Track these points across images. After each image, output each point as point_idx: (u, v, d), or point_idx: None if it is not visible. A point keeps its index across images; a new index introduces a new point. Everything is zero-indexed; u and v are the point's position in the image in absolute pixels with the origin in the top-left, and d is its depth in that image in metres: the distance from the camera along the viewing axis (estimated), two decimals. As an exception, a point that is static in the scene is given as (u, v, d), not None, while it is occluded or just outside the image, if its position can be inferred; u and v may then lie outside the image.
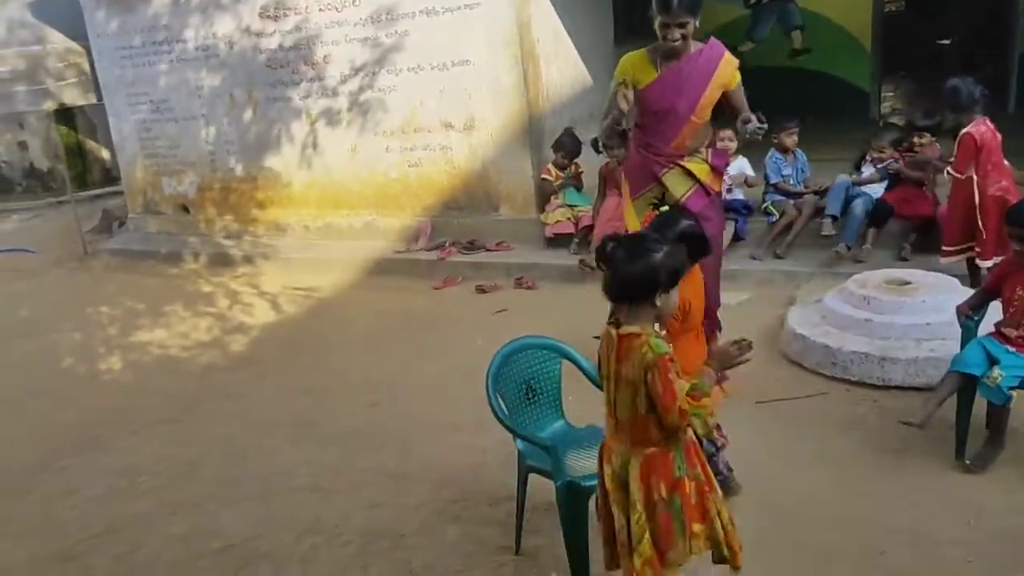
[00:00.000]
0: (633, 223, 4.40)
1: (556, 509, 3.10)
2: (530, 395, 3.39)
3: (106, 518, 3.96)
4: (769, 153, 6.77)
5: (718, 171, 4.43)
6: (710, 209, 4.37)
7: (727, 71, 4.24)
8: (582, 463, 3.17)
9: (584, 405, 3.66)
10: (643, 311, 2.50)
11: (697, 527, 2.56)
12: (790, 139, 6.71)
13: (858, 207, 6.20)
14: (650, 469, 2.51)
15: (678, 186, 4.30)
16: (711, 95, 4.24)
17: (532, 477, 3.28)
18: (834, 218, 6.36)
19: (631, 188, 4.50)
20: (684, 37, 4.08)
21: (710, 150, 4.41)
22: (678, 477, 2.52)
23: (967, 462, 3.64)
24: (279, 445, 4.54)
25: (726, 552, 2.61)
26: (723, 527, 2.61)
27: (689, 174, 4.31)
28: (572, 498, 2.99)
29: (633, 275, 2.46)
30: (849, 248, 6.10)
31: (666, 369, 2.40)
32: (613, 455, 2.60)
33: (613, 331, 2.53)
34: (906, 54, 11.72)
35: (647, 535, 2.50)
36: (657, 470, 2.51)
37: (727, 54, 4.27)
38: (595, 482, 2.99)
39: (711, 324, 4.33)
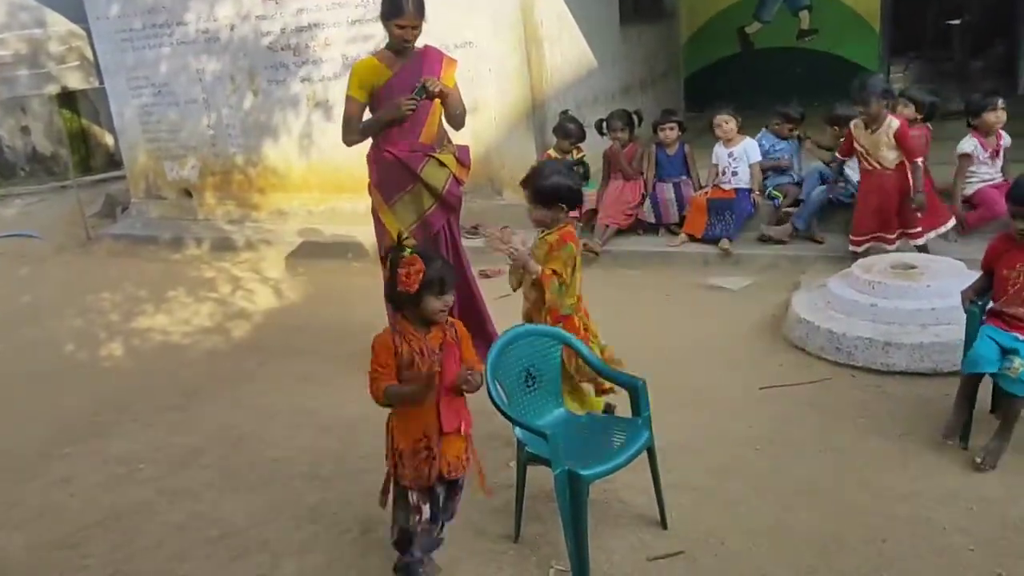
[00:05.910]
0: (393, 227, 4.45)
1: (555, 497, 3.07)
2: (530, 383, 3.36)
3: (105, 506, 3.95)
4: (760, 134, 6.70)
5: (463, 163, 4.70)
6: (461, 199, 4.77)
7: (450, 71, 4.57)
8: (581, 451, 3.14)
9: (584, 392, 3.64)
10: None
11: None
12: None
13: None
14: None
15: (438, 177, 4.54)
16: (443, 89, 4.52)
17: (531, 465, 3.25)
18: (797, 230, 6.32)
19: (385, 195, 4.59)
20: (416, 36, 4.47)
21: (453, 145, 4.69)
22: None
23: (977, 460, 3.52)
24: (280, 432, 4.52)
25: None
26: None
27: (443, 164, 4.56)
28: (571, 486, 2.96)
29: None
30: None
31: None
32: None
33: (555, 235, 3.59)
34: (915, 34, 11.59)
35: None
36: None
37: (447, 55, 4.66)
38: (594, 470, 2.98)
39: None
